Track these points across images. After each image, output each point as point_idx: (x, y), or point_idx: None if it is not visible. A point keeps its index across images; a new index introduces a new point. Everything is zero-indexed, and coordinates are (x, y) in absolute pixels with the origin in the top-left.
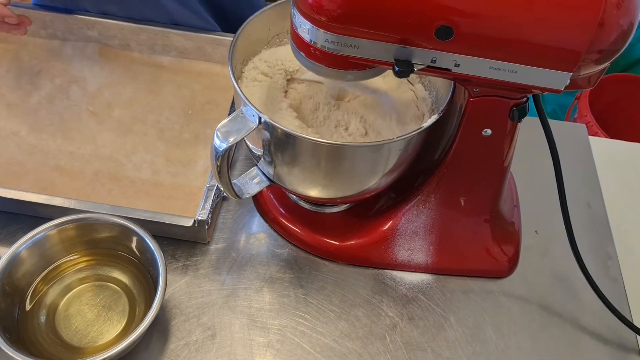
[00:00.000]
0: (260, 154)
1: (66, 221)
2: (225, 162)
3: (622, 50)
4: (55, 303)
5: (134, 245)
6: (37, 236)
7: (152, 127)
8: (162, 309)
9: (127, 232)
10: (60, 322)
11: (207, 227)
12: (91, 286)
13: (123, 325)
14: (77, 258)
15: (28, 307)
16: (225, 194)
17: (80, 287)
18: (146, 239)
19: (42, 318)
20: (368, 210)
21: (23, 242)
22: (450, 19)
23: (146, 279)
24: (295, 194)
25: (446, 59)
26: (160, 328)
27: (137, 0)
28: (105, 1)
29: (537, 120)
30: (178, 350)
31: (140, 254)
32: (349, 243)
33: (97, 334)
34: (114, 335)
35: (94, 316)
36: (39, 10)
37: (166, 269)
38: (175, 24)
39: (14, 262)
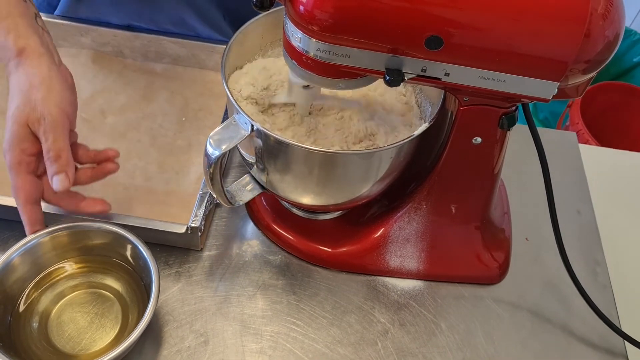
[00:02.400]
0: (252, 161)
1: (59, 228)
2: (218, 169)
3: (608, 60)
4: (47, 310)
5: (127, 252)
6: (29, 243)
7: (146, 133)
8: (155, 315)
9: (120, 240)
10: (53, 329)
11: (200, 234)
12: (84, 293)
13: (116, 332)
14: (70, 265)
15: (20, 313)
16: (218, 201)
17: (73, 294)
18: (139, 247)
19: (35, 325)
20: (360, 217)
21: (15, 250)
22: (440, 30)
23: (139, 286)
24: (287, 201)
25: (436, 69)
26: (153, 335)
27: (165, 20)
28: (129, 17)
29: (527, 128)
30: (171, 357)
31: (134, 262)
32: (341, 250)
33: (90, 341)
34: (107, 342)
35: (87, 323)
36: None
37: (159, 276)
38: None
39: (6, 269)
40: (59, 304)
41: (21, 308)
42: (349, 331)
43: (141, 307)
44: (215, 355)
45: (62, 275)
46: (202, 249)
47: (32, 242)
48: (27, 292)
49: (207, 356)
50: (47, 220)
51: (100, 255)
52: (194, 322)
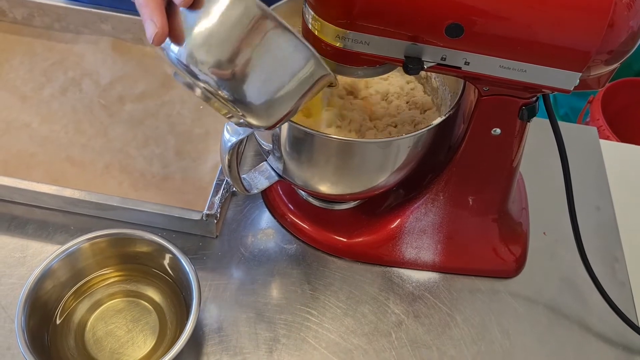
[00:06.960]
0: (269, 149)
1: (99, 235)
2: (235, 156)
3: (632, 52)
4: (83, 321)
5: (166, 262)
6: (69, 249)
7: (164, 121)
8: None
9: (161, 249)
10: (90, 339)
11: (215, 221)
12: (121, 302)
13: (154, 342)
14: (109, 273)
15: (57, 326)
16: (234, 189)
17: (110, 302)
18: (180, 257)
19: (72, 335)
20: (377, 207)
21: (56, 256)
22: (461, 17)
23: (178, 297)
24: (304, 189)
25: (456, 57)
26: None
27: None
28: None
29: (547, 122)
30: None
31: (173, 272)
32: (357, 240)
33: (126, 349)
34: (145, 352)
35: (124, 333)
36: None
37: (200, 289)
38: None
39: (45, 275)
40: (95, 313)
41: (58, 320)
42: (363, 321)
43: (179, 318)
44: (228, 343)
45: (100, 283)
46: (217, 236)
47: (72, 248)
48: (64, 300)
49: (221, 343)
50: (65, 205)
51: (139, 264)
52: (208, 310)
